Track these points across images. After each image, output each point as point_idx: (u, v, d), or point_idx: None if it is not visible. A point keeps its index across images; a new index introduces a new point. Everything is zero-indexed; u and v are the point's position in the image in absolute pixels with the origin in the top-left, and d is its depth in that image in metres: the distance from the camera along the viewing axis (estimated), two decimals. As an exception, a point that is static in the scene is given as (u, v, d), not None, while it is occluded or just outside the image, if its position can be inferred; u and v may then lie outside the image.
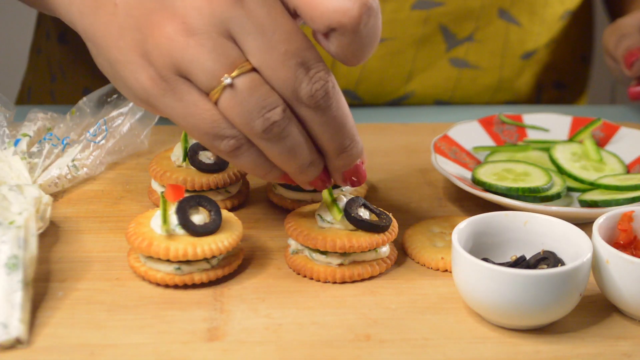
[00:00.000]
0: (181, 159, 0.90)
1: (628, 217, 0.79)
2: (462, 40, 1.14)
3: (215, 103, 0.72)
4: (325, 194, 0.81)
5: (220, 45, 0.71)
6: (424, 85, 1.16)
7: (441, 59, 1.15)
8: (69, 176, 0.93)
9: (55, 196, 0.92)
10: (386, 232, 0.81)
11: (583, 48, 1.28)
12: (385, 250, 0.83)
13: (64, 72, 1.20)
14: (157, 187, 0.92)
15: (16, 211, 0.80)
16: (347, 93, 1.15)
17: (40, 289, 0.78)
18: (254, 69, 0.72)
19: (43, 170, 0.92)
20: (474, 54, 1.16)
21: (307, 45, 0.72)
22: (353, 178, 0.79)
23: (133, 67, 0.74)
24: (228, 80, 0.71)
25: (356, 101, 1.16)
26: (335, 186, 0.88)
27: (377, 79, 1.14)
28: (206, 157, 0.90)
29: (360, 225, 0.80)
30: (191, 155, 0.90)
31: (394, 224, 0.83)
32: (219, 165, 0.90)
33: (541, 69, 1.22)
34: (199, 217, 0.79)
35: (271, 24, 0.71)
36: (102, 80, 1.13)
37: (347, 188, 0.92)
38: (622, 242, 0.79)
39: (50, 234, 0.86)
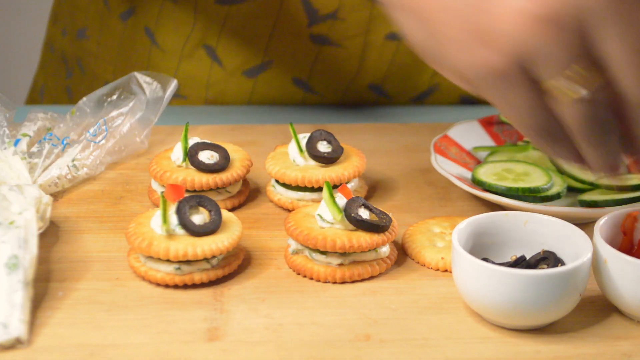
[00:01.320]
0: (181, 159, 0.90)
1: (632, 218, 0.79)
2: None
3: (551, 98, 0.70)
4: (325, 193, 0.81)
5: (576, 45, 0.68)
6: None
7: None
8: (69, 176, 0.93)
9: (55, 196, 0.92)
10: (386, 232, 0.81)
11: None
12: (385, 250, 0.83)
13: (83, 67, 1.20)
14: (157, 187, 0.92)
15: (16, 211, 0.80)
16: (373, 88, 1.15)
17: (40, 289, 0.78)
18: (604, 74, 0.69)
19: (43, 170, 0.92)
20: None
21: None
22: None
23: (462, 48, 0.71)
24: (584, 92, 0.69)
25: (382, 97, 1.16)
26: (335, 186, 0.88)
27: (405, 73, 1.14)
28: (206, 157, 0.90)
29: (360, 225, 0.80)
30: (191, 155, 0.90)
31: (394, 224, 0.83)
32: (219, 165, 0.90)
33: None
34: (199, 217, 0.79)
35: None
36: (125, 73, 1.14)
37: (352, 184, 0.92)
38: (624, 243, 0.79)
39: (50, 234, 0.86)
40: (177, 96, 1.13)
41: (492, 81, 0.70)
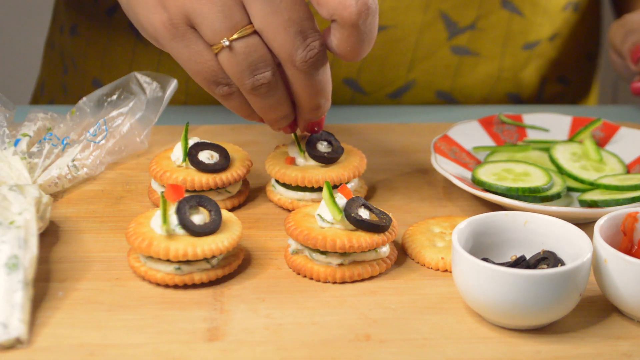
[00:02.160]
0: (181, 159, 0.90)
1: (632, 218, 0.79)
2: (464, 28, 1.14)
3: (216, 55, 0.82)
4: (325, 193, 0.81)
5: (229, 7, 0.80)
6: (425, 73, 1.17)
7: (443, 47, 1.15)
8: (69, 176, 0.93)
9: (55, 196, 0.92)
10: (386, 232, 0.81)
11: (589, 47, 1.28)
12: (385, 250, 0.83)
13: (76, 63, 1.21)
14: (157, 187, 0.92)
15: (16, 211, 0.80)
16: (349, 83, 1.15)
17: (40, 289, 0.78)
18: (254, 32, 0.81)
19: (43, 170, 0.92)
20: (475, 41, 1.16)
21: (308, 16, 0.80)
22: (315, 128, 0.90)
23: (147, 8, 0.83)
24: (226, 43, 0.80)
25: (358, 92, 1.16)
26: (335, 186, 0.88)
27: (379, 67, 1.15)
28: (206, 157, 0.90)
29: (360, 225, 0.80)
30: (191, 155, 0.90)
31: (394, 224, 0.83)
32: (219, 165, 0.90)
33: (545, 63, 1.22)
34: (199, 217, 0.79)
35: None
36: (111, 70, 1.14)
37: (352, 184, 0.92)
38: (624, 243, 0.79)
39: (50, 234, 0.86)
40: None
41: (166, 36, 0.82)
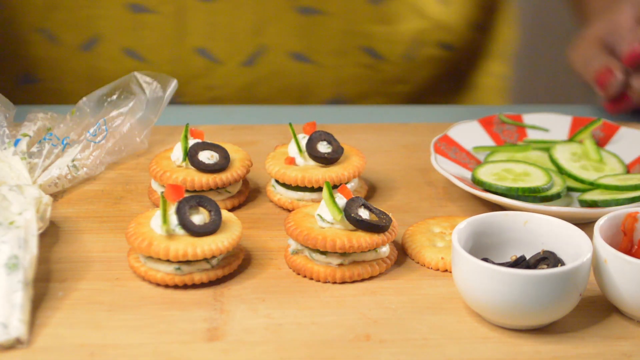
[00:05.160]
0: (181, 159, 0.90)
1: (632, 218, 0.79)
2: None
3: None
4: (325, 193, 0.81)
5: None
6: (276, 37, 1.17)
7: (287, 10, 1.15)
8: (69, 176, 0.93)
9: (55, 196, 0.92)
10: (386, 232, 0.81)
11: (478, 16, 1.29)
12: (385, 250, 0.83)
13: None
14: (157, 187, 0.92)
15: (16, 211, 0.80)
16: (201, 52, 1.15)
17: (40, 289, 0.78)
18: None
19: (43, 171, 0.92)
20: (322, 1, 1.16)
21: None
22: None
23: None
24: None
25: (212, 61, 1.16)
26: (335, 186, 0.88)
27: (227, 33, 1.15)
28: (206, 157, 0.90)
29: (360, 225, 0.80)
30: (191, 155, 0.90)
31: (394, 224, 0.83)
32: (219, 165, 0.90)
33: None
34: (199, 217, 0.79)
35: None
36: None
37: (352, 184, 0.92)
38: (624, 243, 0.79)
39: (50, 234, 0.86)
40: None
41: None
